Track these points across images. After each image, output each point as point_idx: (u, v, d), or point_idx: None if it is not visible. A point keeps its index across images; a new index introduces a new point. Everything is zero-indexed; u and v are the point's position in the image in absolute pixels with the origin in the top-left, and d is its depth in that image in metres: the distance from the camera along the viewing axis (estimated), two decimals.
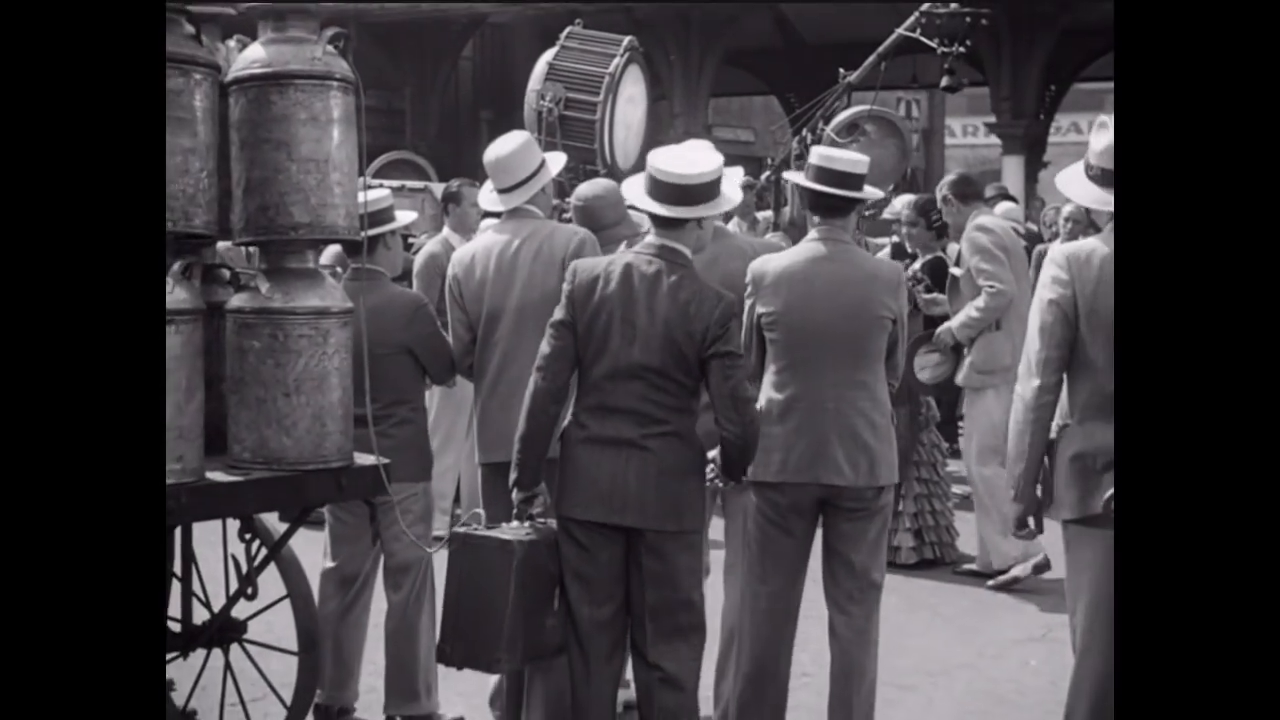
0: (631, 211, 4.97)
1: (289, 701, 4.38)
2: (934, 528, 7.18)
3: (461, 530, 4.01)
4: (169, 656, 4.25)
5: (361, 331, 3.92)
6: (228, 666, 4.39)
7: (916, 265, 7.52)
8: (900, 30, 7.81)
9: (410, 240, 8.16)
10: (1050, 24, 16.27)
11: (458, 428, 7.30)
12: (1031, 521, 3.95)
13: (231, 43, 4.00)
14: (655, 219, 3.96)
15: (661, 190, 3.93)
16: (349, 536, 4.83)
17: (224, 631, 4.27)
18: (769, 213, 8.26)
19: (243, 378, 3.74)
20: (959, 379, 6.92)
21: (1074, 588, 3.83)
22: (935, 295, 7.30)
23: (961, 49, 7.85)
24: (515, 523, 3.97)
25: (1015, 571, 6.72)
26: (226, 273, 3.99)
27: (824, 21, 17.33)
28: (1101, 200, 3.79)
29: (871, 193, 4.54)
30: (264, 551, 4.13)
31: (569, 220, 5.10)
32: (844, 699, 4.32)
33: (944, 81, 8.19)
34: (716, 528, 4.88)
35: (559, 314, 3.95)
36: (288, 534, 4.15)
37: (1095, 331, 3.68)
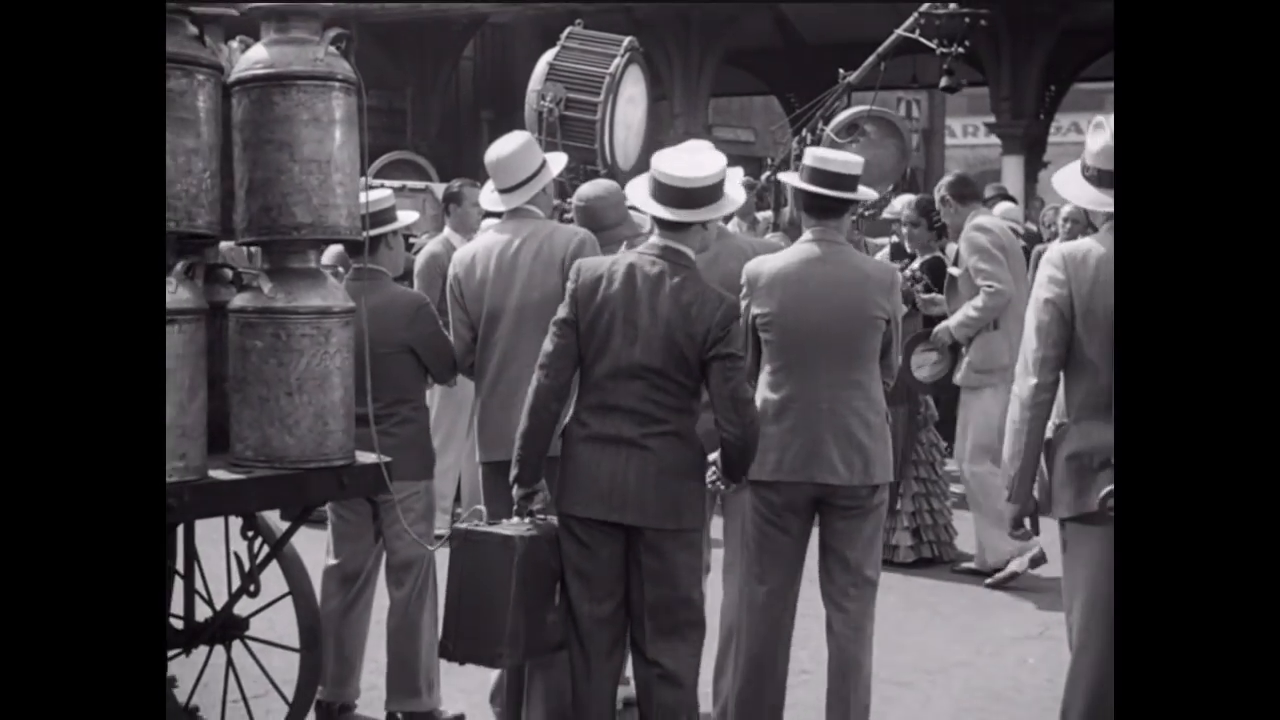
0: (632, 212, 5.00)
1: (291, 698, 4.39)
2: (932, 526, 7.20)
3: (463, 527, 4.04)
4: (172, 653, 4.28)
5: (363, 331, 3.94)
6: (230, 663, 4.40)
7: (915, 265, 7.54)
8: (899, 31, 7.82)
9: (411, 240, 8.18)
10: (1050, 24, 16.27)
11: (458, 427, 7.32)
12: (1027, 522, 3.98)
13: (234, 44, 4.02)
14: (659, 221, 3.99)
15: (665, 193, 3.94)
16: (351, 534, 4.86)
17: (226, 628, 4.29)
18: (769, 213, 8.28)
19: (245, 377, 3.77)
20: (957, 378, 6.95)
21: (1071, 585, 3.86)
22: (933, 295, 7.32)
23: (960, 49, 7.86)
24: (516, 519, 3.99)
25: (1013, 566, 6.75)
26: (229, 272, 4.01)
27: (824, 21, 17.34)
28: (1097, 201, 3.81)
29: (866, 193, 4.55)
30: (266, 549, 4.15)
31: (570, 220, 5.12)
32: (841, 695, 4.35)
33: (943, 82, 8.20)
34: (716, 526, 4.91)
35: (562, 312, 3.97)
36: (289, 531, 4.17)
37: (1091, 331, 3.71)
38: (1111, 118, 3.76)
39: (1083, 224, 8.11)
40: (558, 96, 6.36)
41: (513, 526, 3.95)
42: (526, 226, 4.70)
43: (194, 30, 3.63)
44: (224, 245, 4.26)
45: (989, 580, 6.82)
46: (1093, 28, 14.88)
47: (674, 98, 17.23)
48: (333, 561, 4.93)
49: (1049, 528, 4.03)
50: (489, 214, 5.41)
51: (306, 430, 3.75)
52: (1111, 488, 3.53)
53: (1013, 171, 16.80)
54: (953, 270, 7.09)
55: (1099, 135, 3.80)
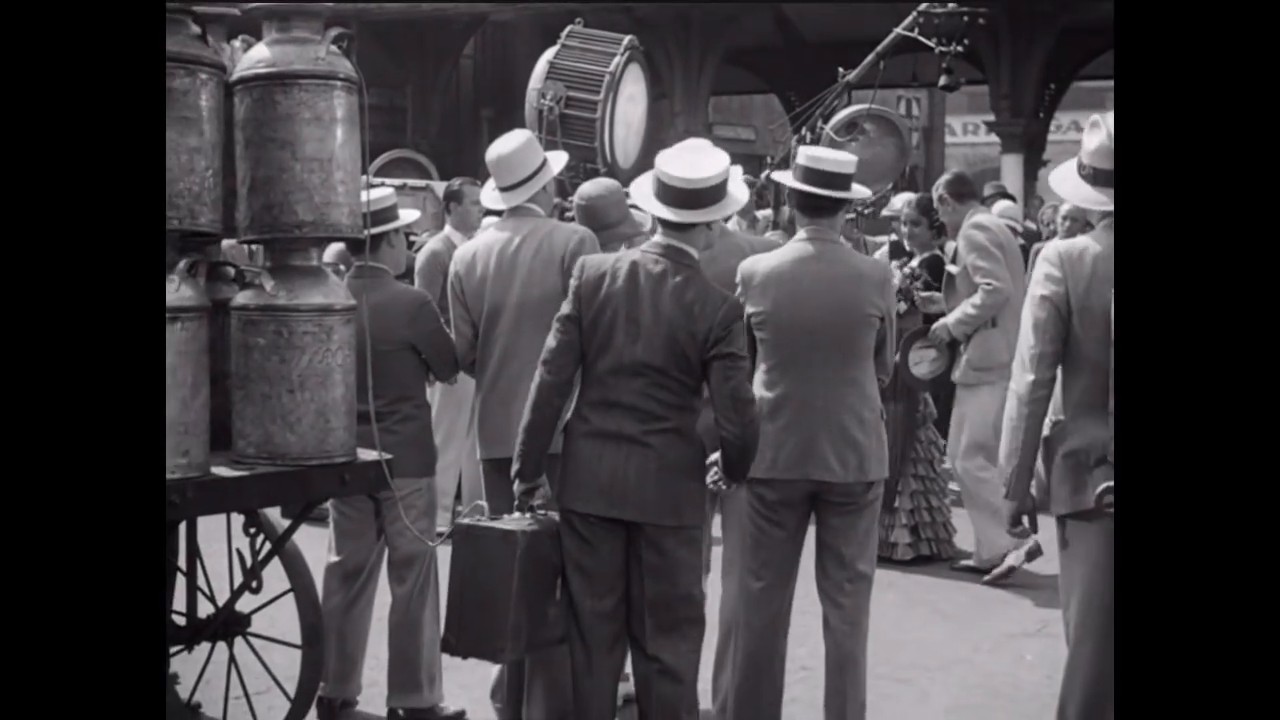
0: (633, 210, 5.02)
1: (292, 695, 4.40)
2: (930, 524, 7.22)
3: (465, 522, 4.06)
4: (174, 650, 4.30)
5: (364, 329, 3.96)
6: (232, 660, 4.42)
7: (914, 262, 7.55)
8: (898, 30, 7.84)
9: (412, 238, 8.20)
10: (1050, 22, 16.28)
11: (459, 425, 7.34)
12: (1025, 520, 4.01)
13: (237, 43, 4.04)
14: (663, 221, 4.00)
15: (669, 194, 3.95)
16: (353, 531, 4.88)
17: (228, 625, 4.31)
18: (769, 211, 8.29)
19: (248, 374, 3.79)
20: (954, 375, 6.97)
21: (1067, 582, 3.88)
22: (932, 294, 7.33)
23: (959, 48, 7.89)
24: (517, 514, 4.01)
25: (1009, 561, 6.76)
26: (231, 270, 4.03)
27: (824, 20, 17.34)
28: (1093, 199, 3.83)
29: (859, 191, 4.57)
30: (268, 546, 4.17)
31: (571, 218, 5.14)
32: (839, 690, 4.38)
33: (942, 81, 8.22)
34: (715, 524, 4.93)
35: (565, 308, 3.99)
36: (291, 528, 4.19)
37: (1088, 329, 3.73)
38: (1107, 116, 3.79)
39: (1081, 222, 8.10)
40: (558, 95, 6.39)
41: (514, 521, 3.97)
42: (527, 224, 4.72)
43: (197, 30, 3.65)
44: (225, 243, 4.29)
45: (987, 576, 6.84)
46: (1093, 26, 14.89)
47: (674, 96, 17.24)
48: (334, 558, 4.95)
49: (1047, 525, 4.05)
50: (490, 212, 5.43)
51: (308, 427, 3.77)
52: (1107, 484, 3.55)
53: (1012, 170, 16.81)
54: (951, 268, 7.11)
55: (1095, 134, 3.82)
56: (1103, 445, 3.67)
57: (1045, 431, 3.88)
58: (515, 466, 4.01)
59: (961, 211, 6.99)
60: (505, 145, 4.77)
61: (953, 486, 7.55)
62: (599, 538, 3.95)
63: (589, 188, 5.06)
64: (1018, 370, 3.88)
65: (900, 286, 7.32)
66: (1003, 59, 16.55)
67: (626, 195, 4.94)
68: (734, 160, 4.27)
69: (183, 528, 4.24)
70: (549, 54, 6.60)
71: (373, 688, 5.01)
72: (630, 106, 6.74)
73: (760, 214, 8.52)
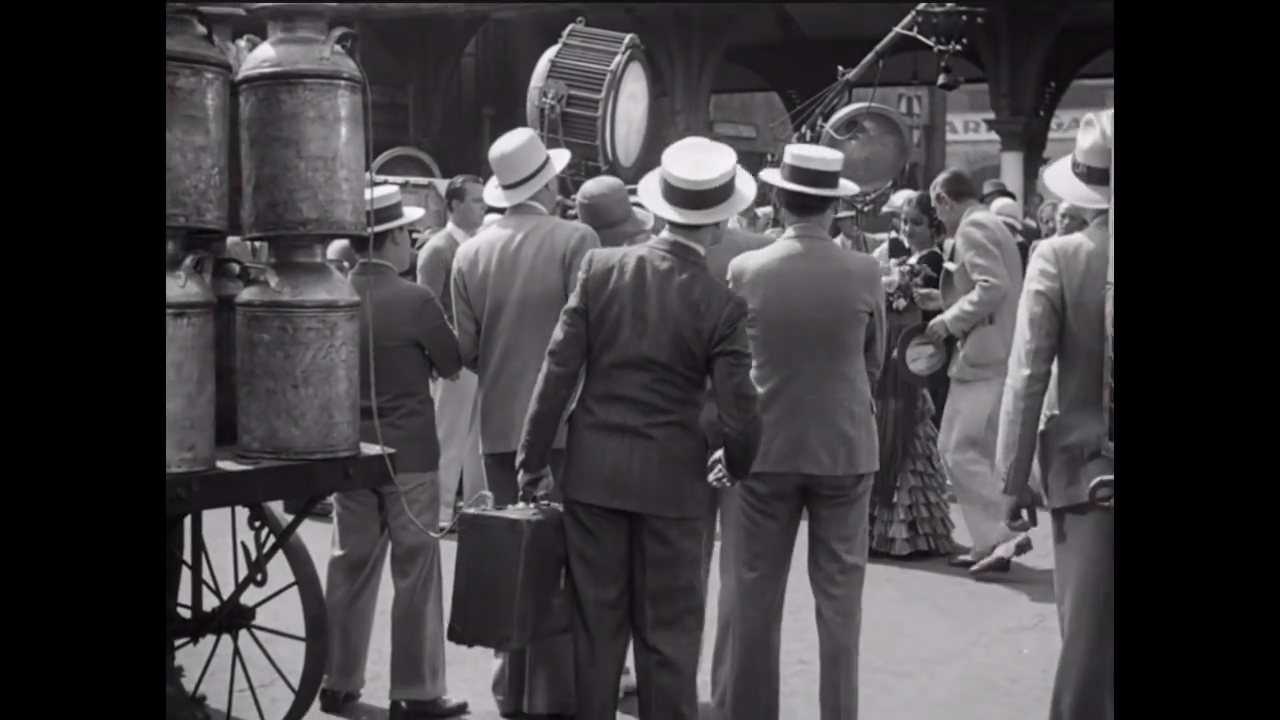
0: (636, 209, 5.06)
1: (296, 687, 4.42)
2: (928, 519, 7.26)
3: (471, 511, 4.10)
4: (179, 642, 4.34)
5: (367, 325, 4.00)
6: (237, 652, 4.44)
7: (913, 260, 7.59)
8: (897, 29, 7.87)
9: (415, 236, 8.23)
10: (1050, 21, 16.31)
11: (460, 421, 7.37)
12: (1025, 514, 4.05)
13: (242, 43, 4.07)
14: (671, 220, 4.04)
15: (676, 195, 3.98)
16: (357, 526, 4.92)
17: (233, 618, 4.34)
18: (768, 209, 8.33)
19: (252, 370, 3.82)
20: (951, 371, 7.00)
21: (1062, 575, 3.92)
22: (930, 291, 7.37)
23: (958, 47, 7.92)
24: (522, 505, 4.06)
25: (999, 553, 6.79)
26: (236, 267, 4.06)
27: (825, 18, 17.36)
28: (1087, 198, 3.88)
29: (846, 188, 4.60)
30: (272, 539, 4.21)
31: (574, 217, 5.18)
32: (833, 680, 4.43)
33: (940, 79, 8.25)
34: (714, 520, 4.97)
35: (573, 301, 4.03)
36: (296, 522, 4.22)
37: (1082, 325, 3.77)
38: (1101, 115, 3.83)
39: (1080, 220, 8.16)
40: (559, 93, 6.43)
41: (519, 511, 4.02)
42: (529, 222, 4.77)
43: (202, 30, 3.67)
44: (229, 240, 4.32)
45: (974, 567, 6.89)
46: (1092, 26, 14.92)
47: (675, 94, 17.27)
48: (338, 552, 4.99)
49: (1041, 519, 4.09)
50: (492, 209, 5.47)
51: (312, 422, 3.81)
52: (1101, 478, 3.59)
53: (1012, 168, 16.84)
54: (948, 265, 7.14)
55: (1089, 132, 3.86)
56: (1097, 439, 3.72)
57: (1040, 426, 3.93)
58: (520, 457, 4.05)
59: (959, 210, 7.02)
60: (508, 143, 4.82)
61: (950, 482, 7.59)
62: (602, 528, 3.99)
63: (592, 186, 5.09)
64: (1014, 366, 3.93)
65: (900, 283, 7.36)
66: (1002, 58, 16.58)
67: (631, 193, 4.98)
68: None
69: (188, 521, 4.27)
70: (550, 52, 6.65)
71: (375, 681, 5.05)
72: (631, 105, 6.78)
73: (760, 211, 8.56)
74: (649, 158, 4.22)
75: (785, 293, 4.36)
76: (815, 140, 7.55)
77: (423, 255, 7.29)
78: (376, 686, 5.03)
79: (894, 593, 6.58)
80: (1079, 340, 3.80)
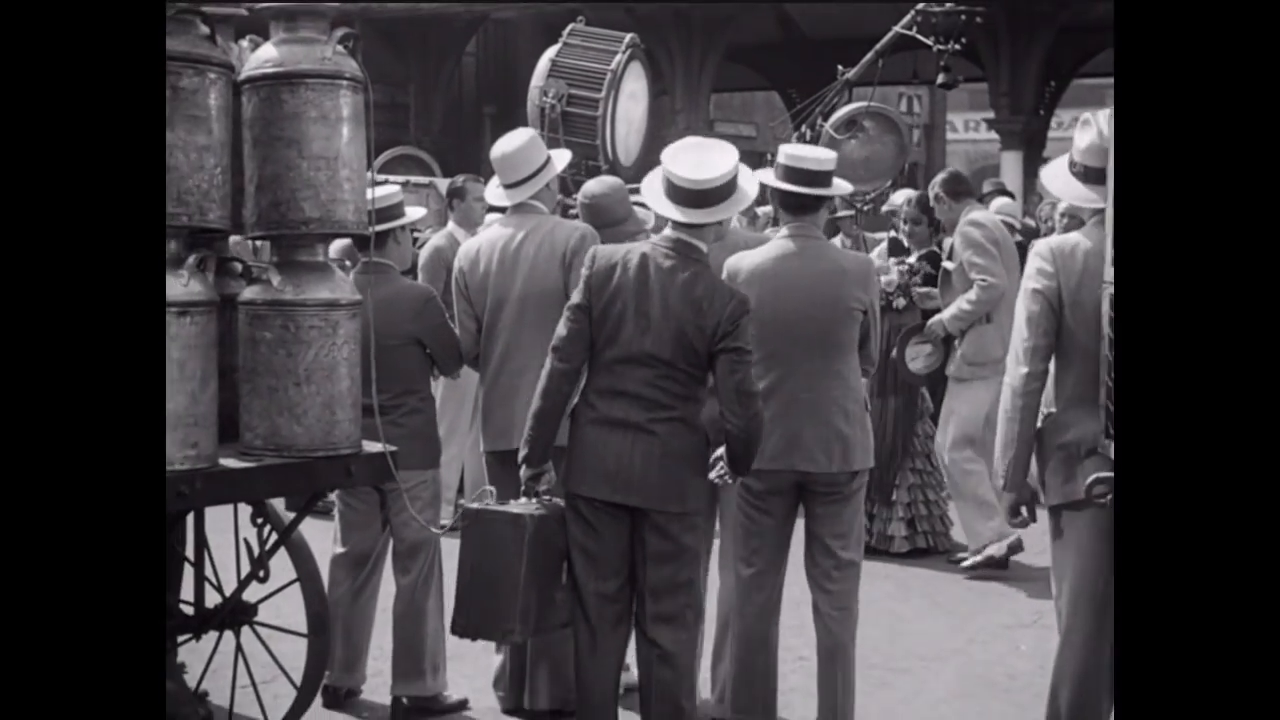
0: (637, 208, 5.08)
1: (298, 683, 4.45)
2: (927, 517, 7.29)
3: (474, 506, 4.12)
4: (182, 639, 4.37)
5: (369, 323, 4.03)
6: (239, 649, 4.46)
7: (913, 259, 7.61)
8: (896, 28, 7.90)
9: (416, 235, 8.25)
10: (1049, 20, 16.32)
11: (461, 419, 7.40)
12: (1024, 510, 4.07)
13: (244, 43, 4.09)
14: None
15: (678, 194, 4.01)
16: (359, 523, 4.95)
17: (236, 614, 4.36)
18: (768, 208, 8.34)
19: (255, 367, 3.85)
20: (948, 370, 7.03)
21: (1059, 571, 3.95)
22: (929, 290, 7.39)
23: (957, 46, 7.94)
24: (524, 499, 4.09)
25: (990, 551, 6.83)
26: (239, 266, 4.09)
27: (825, 17, 17.37)
28: (1083, 197, 3.91)
29: (840, 187, 4.62)
30: (275, 536, 4.23)
31: (575, 216, 5.21)
32: (830, 674, 4.46)
33: (939, 79, 8.27)
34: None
35: (576, 298, 4.05)
36: (298, 519, 4.24)
37: (1079, 323, 3.80)
38: (1098, 114, 3.86)
39: (1078, 220, 8.18)
40: (560, 93, 6.45)
41: (522, 506, 4.04)
42: (530, 221, 4.79)
43: (205, 30, 3.68)
44: (231, 239, 4.34)
45: (966, 563, 6.91)
46: (1092, 25, 14.94)
47: (675, 93, 17.28)
48: (340, 549, 5.01)
49: (1042, 516, 4.12)
50: (493, 208, 5.49)
51: (314, 420, 3.83)
52: (1097, 475, 3.61)
53: (1012, 167, 16.85)
54: (947, 264, 7.16)
55: (1086, 132, 3.89)
56: (1093, 437, 3.75)
57: (1037, 424, 3.95)
58: (523, 451, 4.08)
59: (958, 209, 7.04)
60: (509, 143, 4.84)
61: None
62: (603, 522, 4.02)
63: (593, 185, 5.11)
64: (1012, 364, 3.95)
65: (899, 282, 7.39)
66: (1002, 57, 16.60)
67: (633, 192, 5.00)
68: None
69: (191, 518, 4.30)
70: (551, 52, 6.66)
71: (377, 677, 5.08)
72: (631, 104, 6.80)
73: (761, 211, 8.58)
74: (649, 157, 4.23)
75: (780, 292, 4.38)
76: (815, 139, 7.58)
77: (424, 254, 7.31)
78: (378, 683, 5.06)
79: (893, 590, 6.61)
80: (1076, 338, 3.82)
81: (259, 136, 3.84)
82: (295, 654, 4.49)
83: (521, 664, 4.85)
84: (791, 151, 4.55)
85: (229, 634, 4.47)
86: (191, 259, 3.66)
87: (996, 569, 6.86)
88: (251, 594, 4.33)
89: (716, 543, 4.94)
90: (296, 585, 4.42)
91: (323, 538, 4.98)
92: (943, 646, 5.86)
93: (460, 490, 7.48)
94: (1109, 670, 3.79)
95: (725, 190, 4.03)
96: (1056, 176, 4.03)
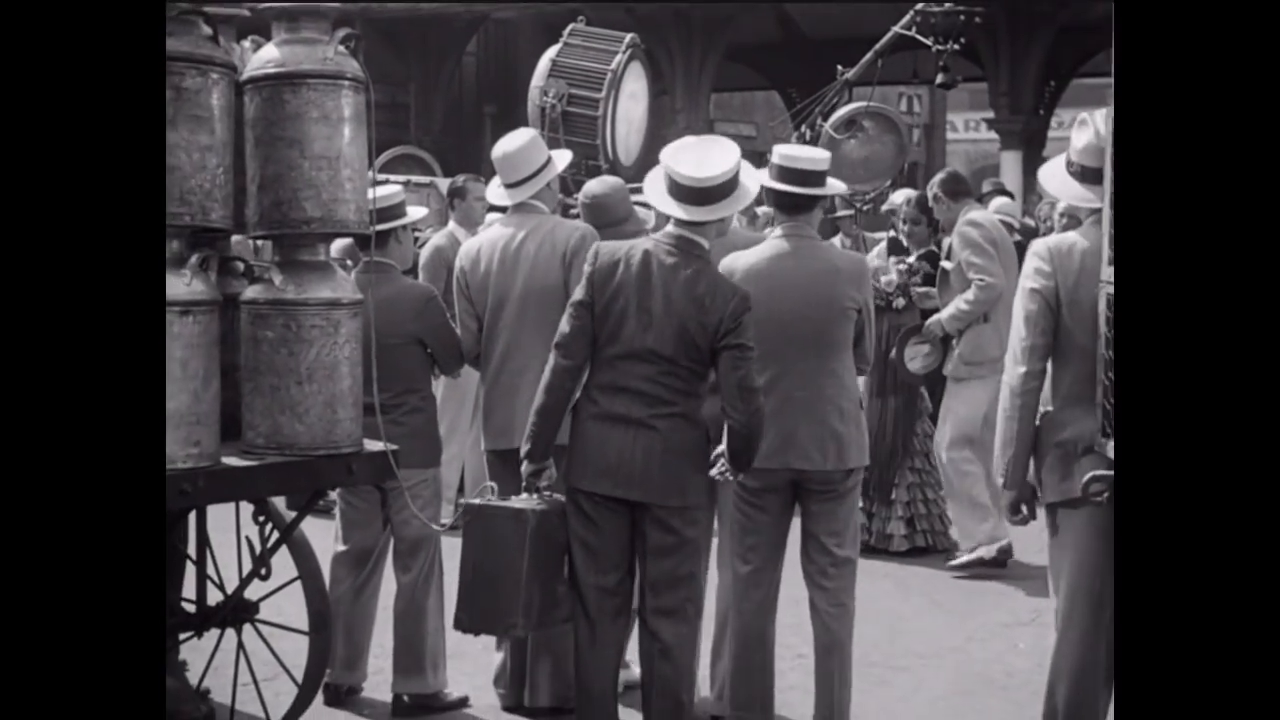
0: (638, 207, 5.10)
1: (300, 680, 4.47)
2: (926, 516, 7.30)
3: (476, 502, 4.14)
4: (184, 636, 4.39)
5: (370, 323, 4.04)
6: (240, 646, 4.48)
7: (912, 258, 7.62)
8: (896, 28, 7.91)
9: (417, 234, 8.26)
10: (1048, 20, 16.33)
11: (461, 418, 7.42)
12: (1024, 508, 4.09)
13: (246, 43, 4.11)
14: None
15: (680, 192, 4.03)
16: (360, 521, 4.96)
17: (237, 612, 4.38)
18: (768, 208, 8.36)
19: (257, 366, 3.87)
20: (946, 369, 7.05)
21: (1056, 568, 3.97)
22: (928, 290, 7.41)
23: (956, 46, 7.95)
24: (525, 495, 4.11)
25: (980, 552, 6.85)
26: (241, 265, 4.10)
27: (825, 17, 17.38)
28: (1081, 197, 3.93)
29: (834, 187, 4.64)
30: (276, 534, 4.25)
31: (576, 215, 5.22)
32: (827, 670, 4.49)
33: (939, 79, 8.29)
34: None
35: (579, 294, 4.07)
36: (299, 517, 4.27)
37: (1077, 322, 3.82)
38: (1096, 114, 3.87)
39: (1077, 219, 8.19)
40: (560, 93, 6.46)
41: (523, 501, 4.07)
42: (530, 220, 4.81)
43: (208, 30, 3.71)
44: (233, 239, 4.36)
45: (953, 561, 6.94)
46: (1092, 25, 14.94)
47: (675, 93, 17.29)
48: (341, 547, 5.03)
49: (1040, 515, 4.14)
50: (494, 208, 5.51)
51: (316, 418, 3.85)
52: (1094, 473, 3.63)
53: (1011, 167, 16.86)
54: (945, 264, 7.18)
55: (1083, 132, 3.91)
56: (1090, 435, 3.77)
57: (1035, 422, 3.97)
58: (525, 447, 4.10)
59: (956, 209, 7.06)
60: (510, 142, 4.86)
61: None
62: (604, 517, 4.04)
63: (594, 185, 5.13)
64: (1010, 363, 3.97)
65: (898, 282, 7.40)
66: (1001, 57, 16.61)
67: (634, 191, 5.02)
68: None
69: (193, 516, 4.32)
70: (551, 52, 6.67)
71: (378, 675, 5.09)
72: (632, 104, 6.81)
73: (761, 210, 8.59)
74: (649, 157, 4.25)
75: (774, 291, 4.40)
76: (815, 139, 7.59)
77: (425, 254, 7.32)
78: (379, 680, 5.07)
79: (891, 588, 6.63)
80: (1073, 337, 3.84)
81: (261, 136, 3.86)
82: (297, 652, 4.50)
83: (522, 661, 4.87)
84: (786, 151, 4.56)
85: (230, 631, 4.49)
86: (194, 258, 3.68)
87: (994, 568, 6.88)
88: (253, 592, 4.35)
89: (715, 541, 4.96)
90: (298, 583, 4.44)
91: (324, 536, 5.00)
92: (941, 644, 5.87)
93: (461, 489, 7.50)
94: (1106, 667, 3.81)
95: (727, 187, 4.05)
96: (1054, 176, 4.05)
